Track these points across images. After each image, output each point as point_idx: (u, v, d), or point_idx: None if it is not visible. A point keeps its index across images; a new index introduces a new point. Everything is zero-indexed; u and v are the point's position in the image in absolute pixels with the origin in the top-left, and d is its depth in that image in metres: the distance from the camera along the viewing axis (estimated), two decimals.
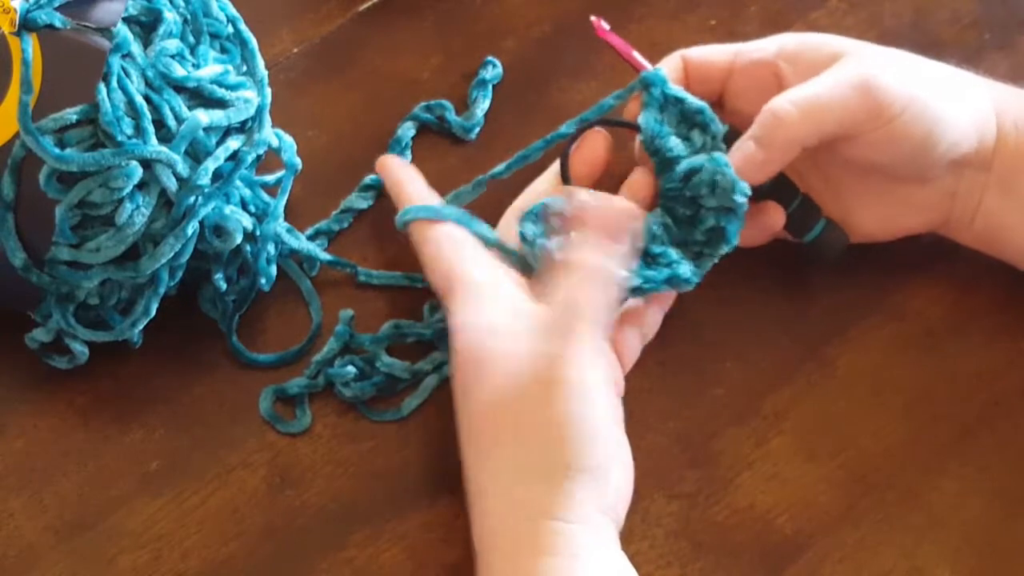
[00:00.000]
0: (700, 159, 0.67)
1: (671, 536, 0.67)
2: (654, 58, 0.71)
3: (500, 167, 0.72)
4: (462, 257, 0.67)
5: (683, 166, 0.67)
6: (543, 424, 0.61)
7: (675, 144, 0.68)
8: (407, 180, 0.72)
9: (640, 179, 0.70)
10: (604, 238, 0.64)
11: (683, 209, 0.68)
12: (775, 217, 0.69)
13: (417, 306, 0.72)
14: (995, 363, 0.71)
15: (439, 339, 0.70)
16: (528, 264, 0.67)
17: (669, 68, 0.71)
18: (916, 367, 0.71)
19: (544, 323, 0.63)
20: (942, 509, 0.68)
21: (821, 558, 0.67)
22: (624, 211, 0.67)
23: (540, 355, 0.62)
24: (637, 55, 0.71)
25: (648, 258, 0.67)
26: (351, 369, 0.70)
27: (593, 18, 0.72)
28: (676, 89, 0.69)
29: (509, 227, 0.69)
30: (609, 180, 0.71)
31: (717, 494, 0.68)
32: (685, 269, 0.67)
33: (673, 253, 0.67)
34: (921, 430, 0.69)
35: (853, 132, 0.66)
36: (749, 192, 0.67)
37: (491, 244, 0.68)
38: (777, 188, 0.69)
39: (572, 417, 0.61)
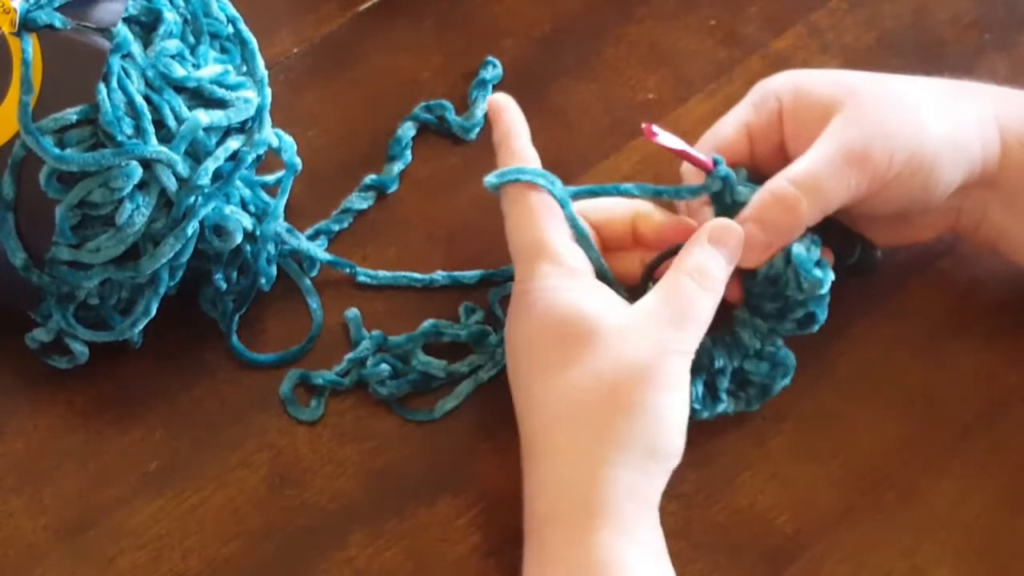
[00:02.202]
0: (778, 262, 0.66)
1: (671, 536, 0.66)
2: (654, 61, 0.71)
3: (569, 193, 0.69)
4: (556, 227, 0.66)
5: (763, 271, 0.66)
6: (644, 406, 0.61)
7: None
8: (516, 133, 0.70)
9: (730, 286, 0.67)
10: (724, 252, 0.65)
11: (771, 304, 0.67)
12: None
13: (417, 306, 0.72)
14: (995, 363, 0.71)
15: (475, 342, 0.70)
16: (603, 267, 0.67)
17: (730, 142, 0.69)
18: (916, 367, 0.71)
19: (655, 311, 0.63)
20: (942, 509, 0.68)
21: (821, 558, 0.67)
22: (740, 232, 0.66)
23: (654, 340, 0.62)
24: (693, 151, 0.68)
25: (708, 389, 0.68)
26: (385, 368, 0.70)
27: (644, 125, 0.67)
28: (744, 191, 0.67)
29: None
30: None
31: (717, 494, 0.68)
32: (726, 407, 0.68)
33: (724, 392, 0.68)
34: (921, 430, 0.70)
35: (856, 204, 0.66)
36: (832, 277, 0.66)
37: (579, 234, 0.67)
38: (827, 226, 0.68)
39: (671, 406, 0.62)
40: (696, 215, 0.69)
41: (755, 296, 0.67)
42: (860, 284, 0.72)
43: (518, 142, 0.69)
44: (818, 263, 0.66)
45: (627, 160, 0.76)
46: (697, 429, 0.69)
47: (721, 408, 0.68)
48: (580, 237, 0.67)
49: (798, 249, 0.66)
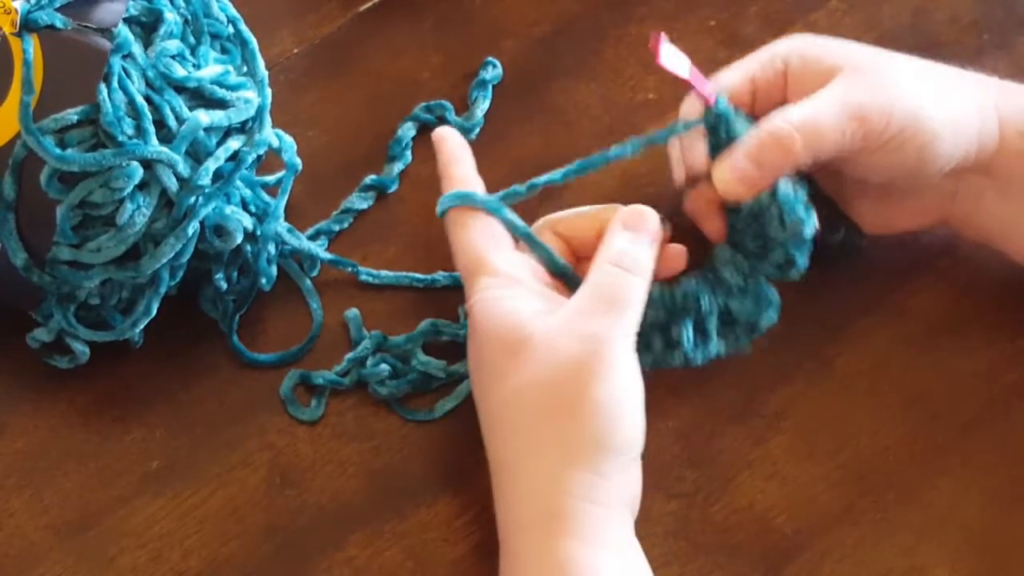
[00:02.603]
0: (764, 198, 0.66)
1: (670, 535, 0.67)
2: (654, 61, 0.71)
3: (557, 174, 0.70)
4: (494, 242, 0.67)
5: (748, 206, 0.66)
6: (584, 404, 0.61)
7: None
8: (456, 160, 0.71)
9: (713, 221, 0.69)
10: (643, 235, 0.66)
11: (752, 242, 0.67)
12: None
13: (418, 306, 0.72)
14: (994, 362, 0.71)
15: None
16: (555, 261, 0.67)
17: (734, 88, 0.69)
18: (915, 366, 0.71)
19: (582, 306, 0.64)
20: (941, 508, 0.68)
21: (820, 557, 0.67)
22: (654, 214, 0.67)
23: (582, 335, 0.62)
24: (701, 80, 0.68)
25: (699, 330, 0.67)
26: (385, 367, 0.70)
27: (653, 35, 0.66)
28: (739, 127, 0.67)
29: (539, 234, 0.69)
30: (680, 219, 0.70)
31: (716, 493, 0.68)
32: (716, 348, 0.68)
33: (715, 332, 0.67)
34: (920, 429, 0.70)
35: (848, 156, 0.66)
36: (817, 224, 0.66)
37: (522, 235, 0.68)
38: (817, 202, 0.68)
39: (613, 398, 0.62)
40: (690, 151, 0.69)
41: (738, 232, 0.67)
42: (860, 284, 0.72)
43: (457, 170, 0.70)
44: (804, 205, 0.66)
45: (626, 160, 0.76)
46: (697, 429, 0.69)
47: (713, 349, 0.67)
48: (524, 236, 0.68)
49: (785, 187, 0.66)
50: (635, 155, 0.69)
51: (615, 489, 0.62)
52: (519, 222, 0.68)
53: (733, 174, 0.66)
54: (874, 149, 0.66)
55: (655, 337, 0.66)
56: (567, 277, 0.67)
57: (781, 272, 0.68)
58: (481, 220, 0.68)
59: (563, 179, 0.70)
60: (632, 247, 0.65)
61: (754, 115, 0.68)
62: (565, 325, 0.63)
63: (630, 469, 0.63)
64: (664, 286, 0.67)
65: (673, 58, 0.66)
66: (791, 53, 0.69)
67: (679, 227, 0.69)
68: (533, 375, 0.62)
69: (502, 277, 0.66)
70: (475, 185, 0.70)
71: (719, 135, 0.67)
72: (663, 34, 0.66)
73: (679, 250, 0.68)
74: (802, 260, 0.67)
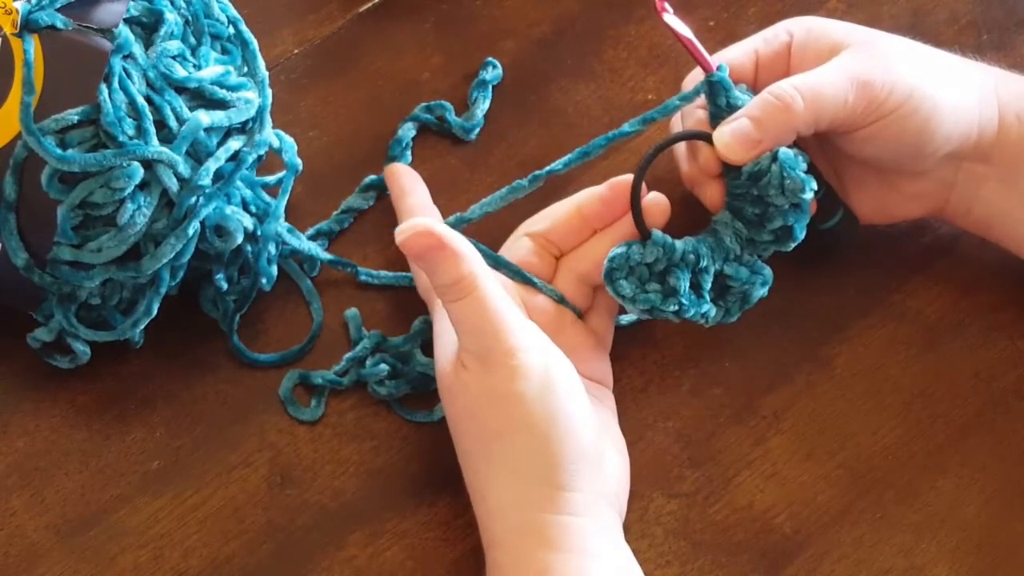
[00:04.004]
0: (764, 161, 0.66)
1: (670, 535, 0.67)
2: (653, 62, 0.71)
3: (558, 164, 0.70)
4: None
5: (748, 169, 0.67)
6: (524, 423, 0.61)
7: None
8: (407, 192, 0.72)
9: (712, 188, 0.69)
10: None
11: (751, 209, 0.67)
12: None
13: (418, 306, 0.72)
14: (994, 362, 0.71)
15: None
16: (522, 274, 0.68)
17: (736, 63, 0.70)
18: (915, 366, 0.71)
19: (446, 349, 0.64)
20: (940, 508, 0.68)
21: (820, 557, 0.67)
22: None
23: (456, 373, 0.63)
24: (701, 48, 0.69)
25: (694, 287, 0.67)
26: (384, 367, 0.70)
27: (659, 1, 0.68)
28: (740, 95, 0.68)
29: (516, 241, 0.69)
30: (677, 187, 0.71)
31: (716, 493, 0.68)
32: (708, 309, 0.68)
33: (708, 291, 0.68)
34: (919, 429, 0.70)
35: (849, 126, 0.67)
36: (816, 188, 0.67)
37: (489, 259, 0.67)
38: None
39: (548, 411, 0.61)
40: (689, 119, 0.70)
41: (737, 198, 0.67)
42: (859, 284, 0.73)
43: (408, 201, 0.71)
44: (804, 171, 0.66)
45: (627, 160, 0.76)
46: (697, 429, 0.69)
47: (705, 309, 0.67)
48: (489, 260, 0.66)
49: (786, 152, 0.66)
50: (636, 134, 0.69)
51: (588, 493, 0.62)
52: (482, 248, 0.67)
53: (734, 135, 0.66)
54: (874, 121, 0.66)
55: (652, 282, 0.67)
56: (532, 284, 0.68)
57: (778, 241, 0.68)
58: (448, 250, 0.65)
59: (565, 168, 0.70)
60: (447, 277, 0.62)
61: (756, 90, 0.69)
62: (446, 369, 0.64)
63: (599, 470, 0.63)
64: (667, 236, 0.67)
65: (676, 21, 0.67)
66: (796, 27, 0.70)
67: (684, 197, 0.70)
68: (470, 404, 0.63)
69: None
70: (430, 214, 0.70)
71: (719, 104, 0.68)
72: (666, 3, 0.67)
73: (660, 201, 0.67)
74: (799, 229, 0.67)
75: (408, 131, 0.77)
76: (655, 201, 0.67)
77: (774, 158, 0.66)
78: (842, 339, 0.72)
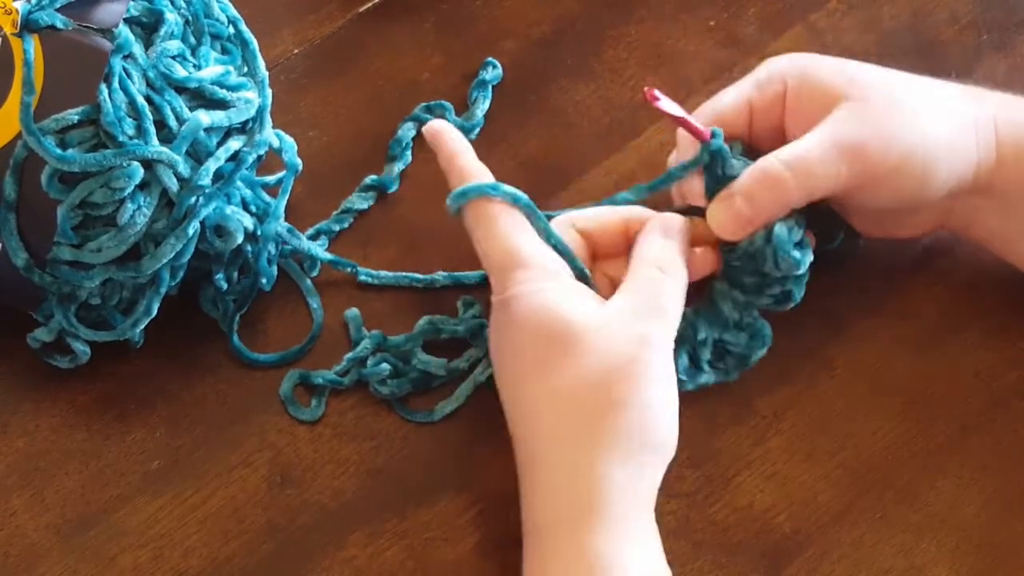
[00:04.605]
0: (758, 238, 0.66)
1: (670, 535, 0.67)
2: (655, 61, 0.71)
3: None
4: (525, 233, 0.66)
5: (743, 245, 0.67)
6: (633, 402, 0.62)
7: None
8: (461, 151, 0.69)
9: (704, 254, 0.69)
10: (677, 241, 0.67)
11: (749, 278, 0.68)
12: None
13: (417, 306, 0.72)
14: (994, 362, 0.71)
15: (473, 336, 0.71)
16: (579, 267, 0.67)
17: (729, 117, 0.69)
18: (915, 367, 0.71)
19: (630, 307, 0.64)
20: (940, 508, 0.68)
21: (820, 557, 0.67)
22: (685, 222, 0.68)
23: (632, 336, 0.63)
24: (692, 120, 0.68)
25: (691, 361, 0.69)
26: (385, 367, 0.70)
27: (647, 88, 0.67)
28: (735, 162, 0.67)
29: (559, 230, 0.68)
30: None
31: (716, 493, 0.68)
32: (707, 378, 0.69)
33: (707, 364, 0.69)
34: (920, 429, 0.70)
35: (844, 193, 0.66)
36: (812, 259, 0.67)
37: (543, 230, 0.67)
38: (813, 208, 0.68)
39: (660, 398, 0.63)
40: (687, 186, 0.69)
41: (734, 270, 0.68)
42: (860, 284, 0.73)
43: (465, 160, 0.69)
44: (798, 244, 0.67)
45: (626, 161, 0.76)
46: (697, 429, 0.69)
47: (703, 379, 0.69)
48: (544, 233, 0.66)
49: (780, 228, 0.66)
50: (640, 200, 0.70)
51: (648, 487, 0.63)
52: (554, 231, 0.67)
53: (727, 214, 0.66)
54: (869, 184, 0.66)
55: None
56: (585, 280, 0.67)
57: (778, 304, 0.69)
58: (509, 211, 0.67)
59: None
60: (669, 253, 0.66)
61: (752, 138, 0.69)
62: (615, 321, 0.63)
63: (660, 470, 0.64)
64: None
65: (668, 104, 0.67)
66: (790, 72, 0.68)
67: None
68: (582, 371, 0.62)
69: (539, 270, 0.65)
70: (487, 176, 0.68)
71: (715, 173, 0.68)
72: (655, 90, 0.67)
73: (708, 254, 0.68)
74: (798, 292, 0.68)
75: (408, 131, 0.77)
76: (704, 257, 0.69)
77: (768, 238, 0.66)
78: (842, 339, 0.72)
